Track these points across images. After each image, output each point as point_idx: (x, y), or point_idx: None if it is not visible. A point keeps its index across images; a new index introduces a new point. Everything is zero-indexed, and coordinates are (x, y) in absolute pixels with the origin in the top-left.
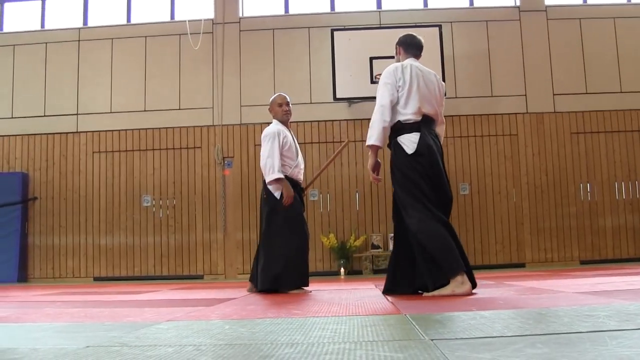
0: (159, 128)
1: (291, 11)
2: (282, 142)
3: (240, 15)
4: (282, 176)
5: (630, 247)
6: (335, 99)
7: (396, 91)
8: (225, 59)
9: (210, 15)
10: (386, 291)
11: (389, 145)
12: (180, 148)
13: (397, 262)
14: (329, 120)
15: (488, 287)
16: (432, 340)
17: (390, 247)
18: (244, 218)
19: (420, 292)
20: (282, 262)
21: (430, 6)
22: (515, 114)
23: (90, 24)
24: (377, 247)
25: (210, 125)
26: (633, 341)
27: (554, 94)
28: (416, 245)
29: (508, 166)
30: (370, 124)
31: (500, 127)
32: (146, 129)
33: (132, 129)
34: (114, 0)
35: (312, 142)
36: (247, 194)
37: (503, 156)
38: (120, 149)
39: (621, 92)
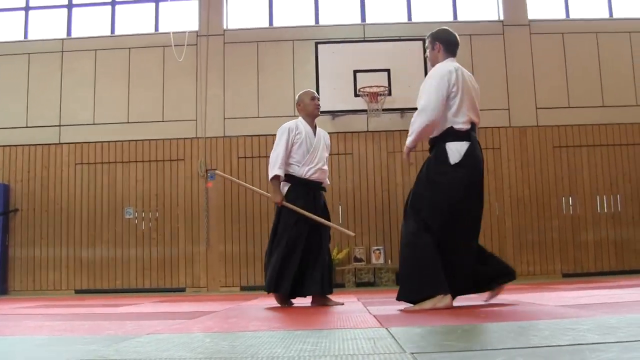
0: (142, 140)
1: (275, 24)
2: (293, 139)
3: (225, 27)
4: (279, 174)
5: (612, 260)
6: (320, 112)
7: (446, 94)
8: (209, 71)
9: (195, 27)
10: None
11: (430, 149)
12: (164, 160)
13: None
14: None
15: (471, 301)
16: (412, 354)
17: (373, 260)
18: (226, 231)
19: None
20: (277, 266)
21: (414, 20)
22: (498, 127)
23: (74, 34)
24: (360, 260)
25: (194, 138)
26: (612, 354)
27: (536, 108)
28: (401, 255)
29: (491, 180)
30: (413, 121)
31: (483, 141)
32: (129, 140)
33: (115, 141)
34: (98, 11)
35: None
36: (230, 206)
37: (486, 169)
38: (103, 160)
39: (603, 106)
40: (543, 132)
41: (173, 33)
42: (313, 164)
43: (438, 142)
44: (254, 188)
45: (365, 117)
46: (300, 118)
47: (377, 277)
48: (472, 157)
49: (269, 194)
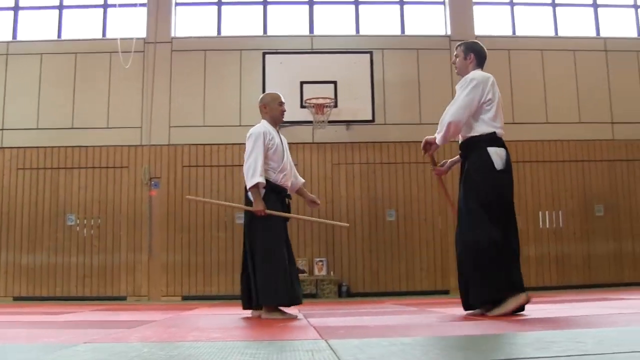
0: (86, 146)
1: (223, 33)
2: (268, 144)
3: (173, 35)
4: (262, 181)
5: (553, 275)
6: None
7: (479, 98)
8: (155, 79)
9: (142, 34)
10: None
11: (463, 154)
12: (107, 167)
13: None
14: None
15: (411, 314)
16: None
17: (316, 271)
18: (169, 239)
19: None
20: (277, 277)
21: (362, 33)
22: None
23: (19, 37)
24: (303, 271)
25: (139, 145)
26: None
27: None
28: (474, 259)
29: (435, 194)
30: (443, 116)
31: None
32: (73, 146)
33: (59, 146)
34: (44, 15)
35: (240, 165)
36: (173, 215)
37: (430, 183)
38: (46, 166)
39: (547, 122)
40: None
41: (120, 39)
42: (287, 170)
43: (479, 146)
44: (229, 203)
45: (311, 128)
46: (264, 122)
47: (319, 289)
48: (510, 164)
49: (247, 207)
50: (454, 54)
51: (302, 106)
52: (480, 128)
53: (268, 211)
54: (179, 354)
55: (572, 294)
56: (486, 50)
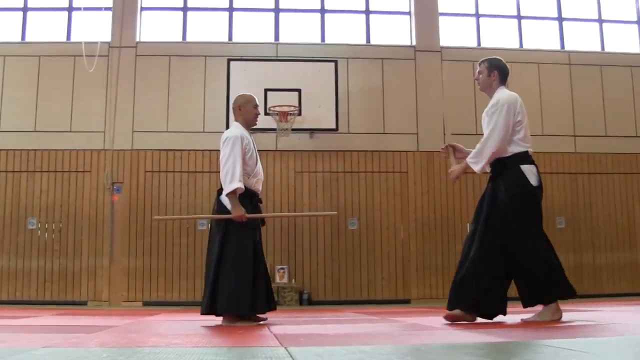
0: (49, 150)
1: (188, 39)
2: (245, 148)
3: (137, 40)
4: (241, 186)
5: (513, 286)
6: (228, 128)
7: (512, 121)
8: (119, 83)
9: (107, 38)
10: (491, 314)
11: (493, 173)
12: (70, 171)
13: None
14: None
15: (372, 322)
16: None
17: (277, 279)
18: (130, 245)
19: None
20: (245, 286)
21: (327, 41)
22: (407, 151)
23: None
24: None
25: (101, 150)
26: None
27: (444, 133)
28: (528, 268)
29: (397, 203)
30: (483, 147)
31: (391, 164)
32: (35, 150)
33: (21, 149)
34: (8, 16)
35: (203, 171)
36: (135, 220)
37: (392, 193)
38: (7, 169)
39: None
40: (449, 157)
41: (85, 43)
42: (259, 175)
43: (512, 165)
44: (199, 216)
45: (274, 135)
46: (238, 125)
47: (280, 297)
48: (541, 179)
49: (225, 215)
50: (477, 70)
51: (266, 113)
52: (512, 148)
53: (248, 215)
54: (138, 359)
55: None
56: (508, 67)
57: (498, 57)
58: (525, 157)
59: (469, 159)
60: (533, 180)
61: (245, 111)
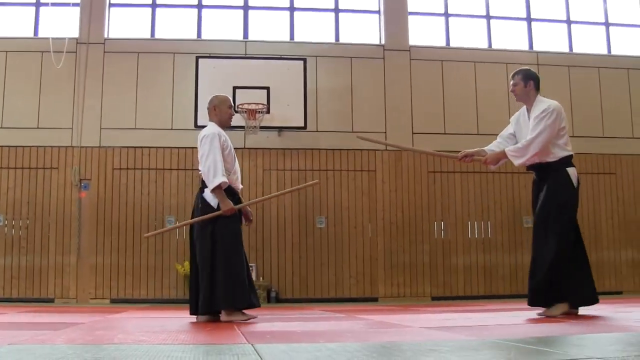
0: (16, 146)
1: (157, 35)
2: (223, 144)
3: (106, 36)
4: (226, 180)
5: (480, 285)
6: (197, 126)
7: (557, 128)
8: (87, 80)
9: (75, 34)
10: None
11: (540, 175)
12: (37, 168)
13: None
14: (190, 147)
15: (338, 320)
16: None
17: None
18: (98, 242)
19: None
20: (241, 280)
21: (296, 39)
22: (375, 150)
23: None
24: None
25: (69, 146)
26: None
27: (413, 133)
28: (551, 264)
29: (365, 201)
30: (529, 145)
31: (359, 163)
32: (2, 146)
33: None
34: None
35: (171, 169)
36: (103, 217)
37: (360, 191)
38: None
39: (478, 134)
40: (418, 156)
41: (52, 39)
42: (238, 172)
43: (559, 168)
44: (189, 221)
45: (242, 133)
46: (213, 124)
47: None
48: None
49: (213, 214)
50: (512, 82)
51: (235, 111)
52: (559, 153)
53: (237, 206)
54: (105, 356)
55: (498, 304)
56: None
57: (528, 68)
58: (569, 161)
59: (510, 152)
60: (575, 183)
61: (220, 112)
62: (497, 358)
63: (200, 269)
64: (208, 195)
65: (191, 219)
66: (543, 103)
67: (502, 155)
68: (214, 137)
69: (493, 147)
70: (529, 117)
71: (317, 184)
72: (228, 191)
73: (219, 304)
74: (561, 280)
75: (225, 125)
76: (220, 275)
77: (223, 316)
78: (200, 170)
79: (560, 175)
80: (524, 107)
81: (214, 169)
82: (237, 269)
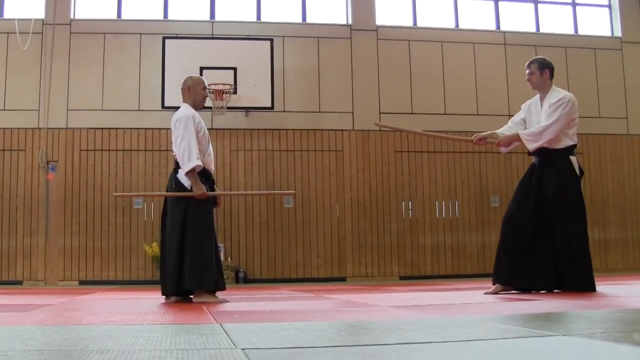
0: None
1: (123, 16)
2: (197, 127)
3: (72, 17)
4: (200, 163)
5: (448, 264)
6: (164, 107)
7: (571, 119)
8: (54, 61)
9: (41, 15)
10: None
11: (542, 161)
12: (3, 150)
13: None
14: (157, 129)
15: (306, 300)
16: (242, 349)
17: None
18: (66, 224)
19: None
20: (210, 262)
21: (263, 19)
22: (342, 130)
23: None
24: None
25: (36, 128)
26: (437, 353)
27: (380, 112)
28: (574, 251)
29: (333, 181)
30: (544, 130)
31: (327, 143)
32: None
33: None
34: None
35: (138, 150)
36: (70, 199)
37: (328, 171)
38: None
39: (445, 113)
40: (385, 136)
41: (18, 20)
42: (212, 154)
43: (564, 156)
44: (159, 193)
45: (210, 114)
46: (187, 106)
47: None
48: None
49: (186, 193)
50: (527, 71)
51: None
52: (566, 141)
53: (209, 193)
54: (73, 337)
55: (466, 283)
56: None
57: (543, 57)
58: (573, 150)
59: (524, 136)
60: (577, 170)
61: (194, 93)
62: (464, 336)
63: (168, 249)
64: (182, 176)
65: (168, 204)
66: (559, 92)
67: (516, 138)
68: (189, 120)
69: (504, 130)
70: (541, 105)
71: (292, 194)
72: (202, 173)
73: (187, 285)
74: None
75: (199, 106)
76: (189, 257)
77: (195, 298)
78: (174, 152)
79: (567, 163)
80: (537, 95)
81: (188, 152)
82: (207, 251)
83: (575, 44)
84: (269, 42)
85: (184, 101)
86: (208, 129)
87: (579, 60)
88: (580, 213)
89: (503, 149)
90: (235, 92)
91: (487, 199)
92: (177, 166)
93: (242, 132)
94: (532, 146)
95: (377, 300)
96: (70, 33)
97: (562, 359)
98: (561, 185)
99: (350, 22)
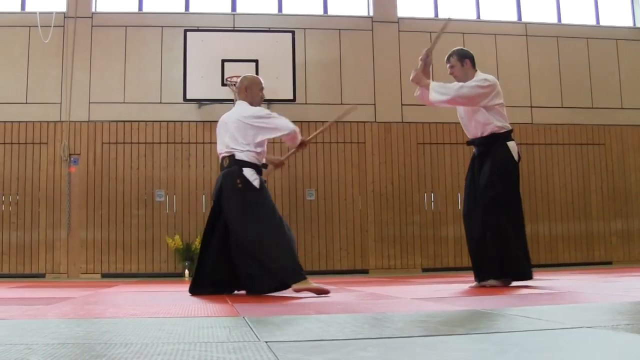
0: (4, 122)
1: (145, 9)
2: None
3: (93, 10)
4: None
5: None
6: (185, 100)
7: (486, 95)
8: (75, 54)
9: (62, 8)
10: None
11: (481, 149)
12: (26, 143)
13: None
14: (178, 121)
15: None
16: (266, 342)
17: None
18: (88, 216)
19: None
20: (291, 254)
21: (284, 12)
22: (364, 122)
23: None
24: None
25: (58, 121)
26: (461, 345)
27: (402, 105)
28: (511, 238)
29: (355, 174)
30: (453, 89)
31: (349, 135)
32: None
33: None
34: None
35: (160, 142)
36: (92, 192)
37: (350, 164)
38: None
39: None
40: (407, 128)
41: (40, 13)
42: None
43: (499, 142)
44: (333, 121)
45: (231, 106)
46: (245, 103)
47: None
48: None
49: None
50: (448, 65)
51: (223, 84)
52: (497, 126)
53: (308, 138)
54: (96, 330)
55: None
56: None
57: (461, 47)
58: (509, 135)
59: (434, 86)
60: (516, 156)
61: (251, 93)
62: (488, 328)
63: (253, 246)
64: (248, 173)
65: (216, 199)
66: (482, 75)
67: (425, 85)
68: (262, 109)
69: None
70: None
71: (355, 109)
72: (258, 167)
73: (288, 279)
74: (521, 253)
75: (257, 106)
76: (279, 251)
77: (296, 286)
78: (230, 149)
79: (503, 149)
80: None
81: (284, 121)
82: (289, 239)
83: (596, 34)
84: (290, 34)
85: (241, 99)
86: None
87: (601, 51)
88: (513, 200)
89: (416, 92)
90: None
91: None
92: (241, 164)
93: None
94: (431, 97)
95: (400, 293)
96: (92, 26)
97: (588, 351)
98: (494, 171)
99: (371, 13)
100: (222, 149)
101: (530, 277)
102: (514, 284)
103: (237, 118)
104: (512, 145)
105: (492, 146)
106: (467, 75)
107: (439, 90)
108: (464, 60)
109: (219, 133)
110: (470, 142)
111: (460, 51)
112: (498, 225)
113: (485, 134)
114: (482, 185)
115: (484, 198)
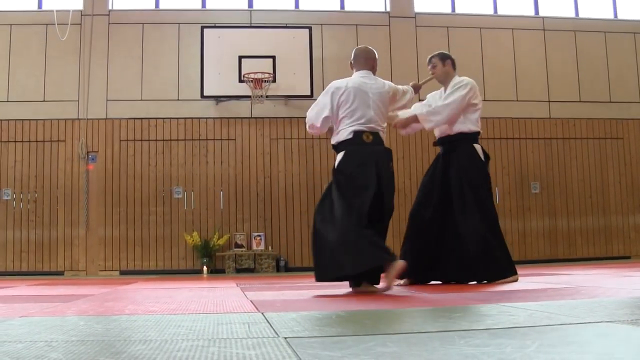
0: (22, 120)
1: (161, 6)
2: None
3: (110, 7)
4: None
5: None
6: (203, 96)
7: (467, 102)
8: (92, 52)
9: (79, 6)
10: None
11: (446, 148)
12: (44, 141)
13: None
14: (196, 118)
15: (347, 287)
16: (285, 338)
17: (254, 246)
18: (107, 214)
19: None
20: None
21: (301, 8)
22: None
23: None
24: (241, 246)
25: (75, 119)
26: (480, 340)
27: (419, 99)
28: (482, 238)
29: None
30: (441, 110)
31: None
32: (8, 120)
33: None
34: None
35: (177, 139)
36: (110, 189)
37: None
38: None
39: (484, 100)
40: None
41: (57, 11)
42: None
43: (466, 143)
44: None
45: (249, 103)
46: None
47: (257, 263)
48: (488, 156)
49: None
50: (430, 66)
51: (240, 81)
52: (468, 127)
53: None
54: (116, 327)
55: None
56: None
57: (442, 51)
58: (476, 137)
59: (422, 115)
60: (483, 157)
61: (374, 64)
62: (507, 323)
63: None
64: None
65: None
66: (458, 78)
67: (413, 119)
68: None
69: (404, 113)
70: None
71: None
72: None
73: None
74: (500, 252)
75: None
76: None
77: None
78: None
79: (469, 149)
80: (442, 88)
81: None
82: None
83: (614, 28)
84: (307, 30)
85: (369, 69)
86: (247, 117)
87: (619, 45)
88: (485, 199)
89: (402, 131)
90: (274, 81)
91: (527, 185)
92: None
93: (282, 121)
94: (428, 125)
95: (418, 288)
96: (109, 24)
97: (608, 346)
98: (464, 171)
99: (388, 9)
100: (365, 121)
101: (512, 274)
102: (516, 283)
103: (378, 91)
104: (478, 147)
105: (459, 147)
106: (447, 76)
107: (426, 117)
108: (445, 61)
109: (350, 100)
110: (437, 142)
111: (442, 53)
112: (474, 227)
113: (455, 132)
114: (455, 188)
115: (456, 201)
